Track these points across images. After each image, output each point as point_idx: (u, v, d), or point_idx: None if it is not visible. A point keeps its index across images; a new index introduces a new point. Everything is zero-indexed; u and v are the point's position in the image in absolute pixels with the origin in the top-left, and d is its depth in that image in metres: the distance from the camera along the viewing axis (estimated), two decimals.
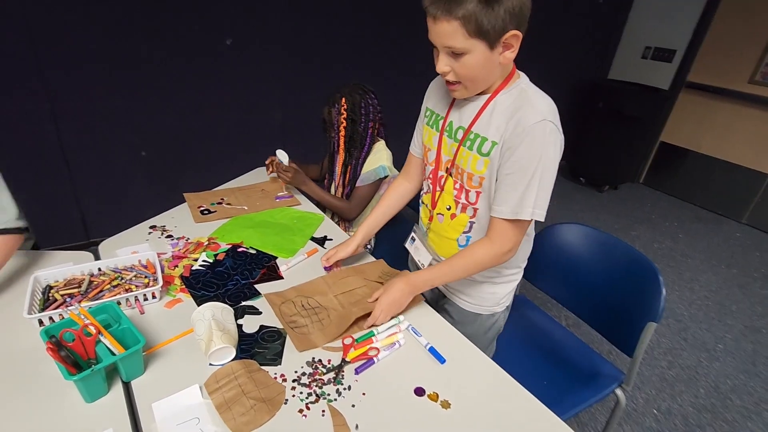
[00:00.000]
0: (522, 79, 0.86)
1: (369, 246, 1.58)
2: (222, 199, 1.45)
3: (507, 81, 0.85)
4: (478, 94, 0.87)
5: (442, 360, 0.87)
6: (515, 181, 0.82)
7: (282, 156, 1.45)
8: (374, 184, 1.46)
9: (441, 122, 0.95)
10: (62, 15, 1.80)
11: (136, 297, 0.91)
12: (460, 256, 0.92)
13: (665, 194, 3.72)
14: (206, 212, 1.35)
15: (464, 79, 0.81)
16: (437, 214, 1.01)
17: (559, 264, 1.36)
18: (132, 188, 2.26)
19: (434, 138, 0.97)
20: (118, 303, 0.89)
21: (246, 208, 1.41)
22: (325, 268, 1.10)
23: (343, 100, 1.37)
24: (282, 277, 1.08)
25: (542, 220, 0.85)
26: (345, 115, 1.38)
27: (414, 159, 1.10)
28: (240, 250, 1.16)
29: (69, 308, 0.84)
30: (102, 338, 0.72)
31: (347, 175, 1.49)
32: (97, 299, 0.89)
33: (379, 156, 1.45)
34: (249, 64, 2.26)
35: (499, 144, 0.83)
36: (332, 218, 1.50)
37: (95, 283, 0.94)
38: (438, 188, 0.98)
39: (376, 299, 0.94)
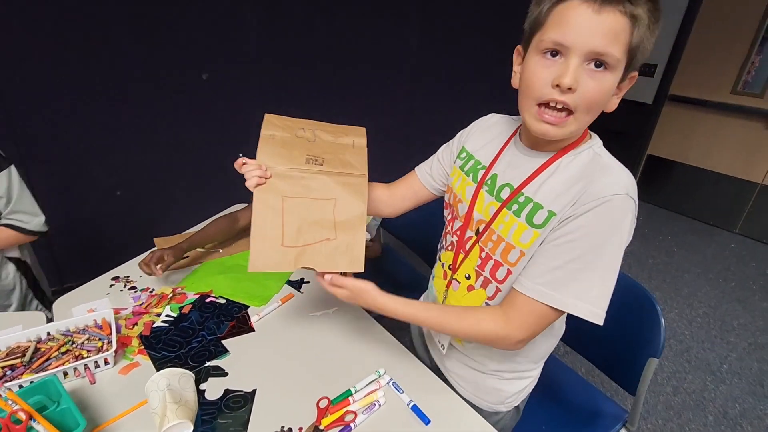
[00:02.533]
0: (595, 141, 0.69)
1: None
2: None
3: (579, 140, 0.67)
4: (537, 150, 0.69)
5: (426, 420, 0.78)
6: (568, 254, 0.62)
7: None
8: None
9: (482, 172, 0.77)
10: (29, 53, 1.75)
11: (86, 365, 0.82)
12: (460, 316, 0.72)
13: (657, 207, 3.69)
14: None
15: (584, 107, 0.59)
16: (454, 279, 0.82)
17: None
18: (107, 229, 2.18)
19: (469, 189, 0.78)
20: (65, 374, 0.81)
21: (221, 251, 1.33)
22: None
23: None
24: (253, 329, 0.99)
25: (601, 323, 0.63)
26: None
27: (417, 184, 0.91)
28: (208, 300, 1.08)
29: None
30: (34, 424, 0.63)
31: None
32: (42, 369, 0.80)
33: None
34: (226, 98, 2.22)
35: (558, 216, 0.63)
36: None
37: (42, 350, 0.85)
38: (462, 251, 0.79)
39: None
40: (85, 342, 0.87)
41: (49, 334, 0.89)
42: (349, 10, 2.40)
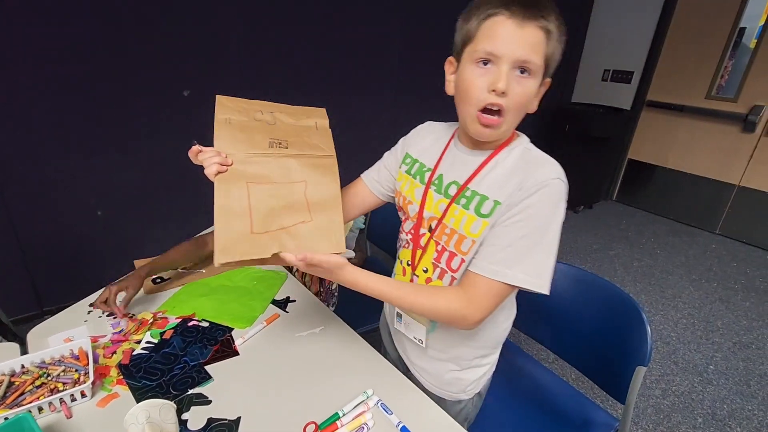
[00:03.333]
0: (524, 138, 0.78)
1: (335, 299, 1.49)
2: None
3: (510, 139, 0.77)
4: (476, 149, 0.78)
5: None
6: (516, 235, 0.69)
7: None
8: (358, 239, 1.40)
9: (427, 174, 0.83)
10: (3, 68, 1.71)
11: (61, 399, 0.79)
12: (422, 293, 0.75)
13: (639, 209, 3.76)
14: (159, 280, 1.24)
15: (512, 110, 0.68)
16: (414, 275, 0.88)
17: (539, 304, 1.29)
18: (88, 250, 2.13)
19: (417, 190, 0.84)
20: (40, 409, 0.77)
21: (203, 271, 1.31)
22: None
23: None
24: (237, 353, 0.97)
25: (547, 293, 0.70)
26: None
27: (367, 193, 0.94)
28: (191, 324, 1.05)
29: None
30: None
31: None
32: (16, 405, 0.77)
33: None
34: (208, 115, 2.19)
35: (503, 205, 0.71)
36: (298, 276, 1.42)
37: (16, 384, 0.82)
38: (419, 247, 0.86)
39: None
40: (61, 374, 0.84)
41: (23, 366, 0.86)
42: (333, 27, 2.42)
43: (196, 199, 2.31)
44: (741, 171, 3.12)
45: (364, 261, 1.73)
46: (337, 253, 0.74)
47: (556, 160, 0.74)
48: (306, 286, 1.44)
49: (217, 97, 0.80)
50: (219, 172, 0.72)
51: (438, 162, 0.83)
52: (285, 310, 1.13)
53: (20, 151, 1.83)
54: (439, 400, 0.89)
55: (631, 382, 1.03)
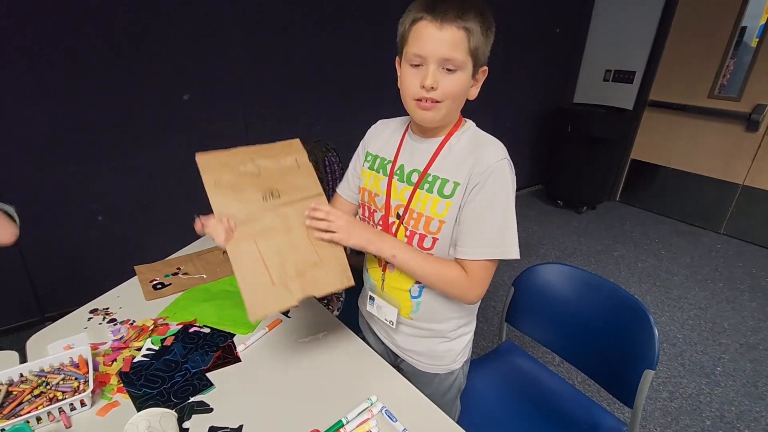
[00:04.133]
0: (469, 123, 0.87)
1: (340, 304, 1.48)
2: (178, 268, 1.33)
3: (458, 125, 0.86)
4: (428, 137, 0.86)
5: None
6: (490, 218, 0.80)
7: None
8: None
9: (389, 166, 0.90)
10: (4, 74, 1.70)
11: (60, 408, 0.78)
12: (438, 262, 0.84)
13: (643, 210, 3.73)
14: (160, 286, 1.23)
15: (448, 98, 0.77)
16: (388, 263, 0.92)
17: (544, 307, 1.27)
18: (89, 255, 2.12)
19: (381, 182, 0.91)
20: (39, 419, 0.76)
21: (205, 276, 1.29)
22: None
23: None
24: (239, 359, 0.96)
25: (518, 257, 0.80)
26: None
27: (343, 202, 1.04)
28: (192, 330, 1.04)
29: None
30: None
31: None
32: (14, 415, 0.76)
33: None
34: (209, 117, 2.19)
35: (462, 185, 0.80)
36: None
37: (14, 393, 0.80)
38: (390, 234, 0.91)
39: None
40: (60, 383, 0.83)
41: (22, 375, 0.85)
42: (332, 28, 2.41)
43: (196, 204, 2.30)
44: (745, 170, 3.10)
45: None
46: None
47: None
48: None
49: (198, 157, 0.83)
50: (227, 239, 0.79)
51: (397, 153, 0.90)
52: (287, 316, 1.12)
53: (20, 155, 1.82)
54: (433, 378, 0.99)
55: (639, 385, 1.01)
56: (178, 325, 1.06)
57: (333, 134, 2.40)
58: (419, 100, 0.77)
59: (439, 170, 0.83)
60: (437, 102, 0.77)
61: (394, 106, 0.94)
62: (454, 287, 0.84)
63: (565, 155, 3.52)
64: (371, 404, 0.84)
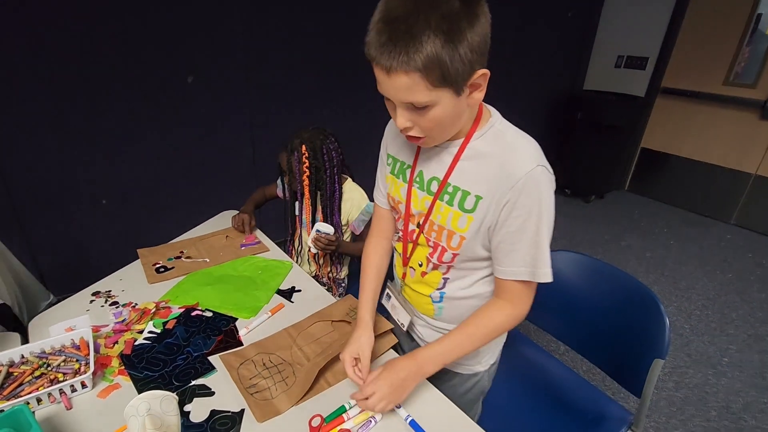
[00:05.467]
0: (494, 117, 0.75)
1: (341, 289, 1.46)
2: (181, 252, 1.32)
3: (478, 121, 0.74)
4: (444, 141, 0.76)
5: None
6: (523, 239, 0.72)
7: (325, 228, 1.26)
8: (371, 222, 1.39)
9: (408, 172, 0.83)
10: (4, 57, 1.68)
11: (61, 390, 0.77)
12: (477, 324, 0.80)
13: (652, 200, 3.68)
14: (162, 270, 1.22)
15: (431, 132, 0.69)
16: (409, 267, 0.90)
17: (552, 295, 1.24)
18: (93, 238, 2.12)
19: (402, 190, 0.85)
20: (39, 400, 0.75)
21: (208, 260, 1.28)
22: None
23: (303, 147, 1.26)
24: (242, 343, 0.95)
25: (551, 281, 0.75)
26: (307, 163, 1.27)
27: (382, 212, 0.96)
28: (194, 314, 1.03)
29: None
30: None
31: None
32: (14, 396, 0.75)
33: (355, 195, 1.38)
34: (212, 101, 2.16)
35: (485, 199, 0.72)
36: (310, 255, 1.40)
37: (15, 374, 0.80)
38: (411, 241, 0.87)
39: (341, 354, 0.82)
40: (61, 364, 0.82)
41: (23, 356, 0.84)
42: (338, 13, 2.36)
43: (199, 187, 2.30)
44: (758, 159, 3.03)
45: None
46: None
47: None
48: (319, 269, 1.42)
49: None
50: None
51: (416, 158, 0.82)
52: (290, 300, 1.11)
53: (24, 140, 1.81)
54: (453, 376, 0.95)
55: (648, 374, 0.99)
56: (180, 308, 1.05)
57: (343, 117, 2.35)
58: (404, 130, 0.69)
59: (460, 180, 0.75)
60: (421, 137, 0.70)
61: None
62: (504, 327, 0.81)
63: (574, 143, 3.46)
64: None
